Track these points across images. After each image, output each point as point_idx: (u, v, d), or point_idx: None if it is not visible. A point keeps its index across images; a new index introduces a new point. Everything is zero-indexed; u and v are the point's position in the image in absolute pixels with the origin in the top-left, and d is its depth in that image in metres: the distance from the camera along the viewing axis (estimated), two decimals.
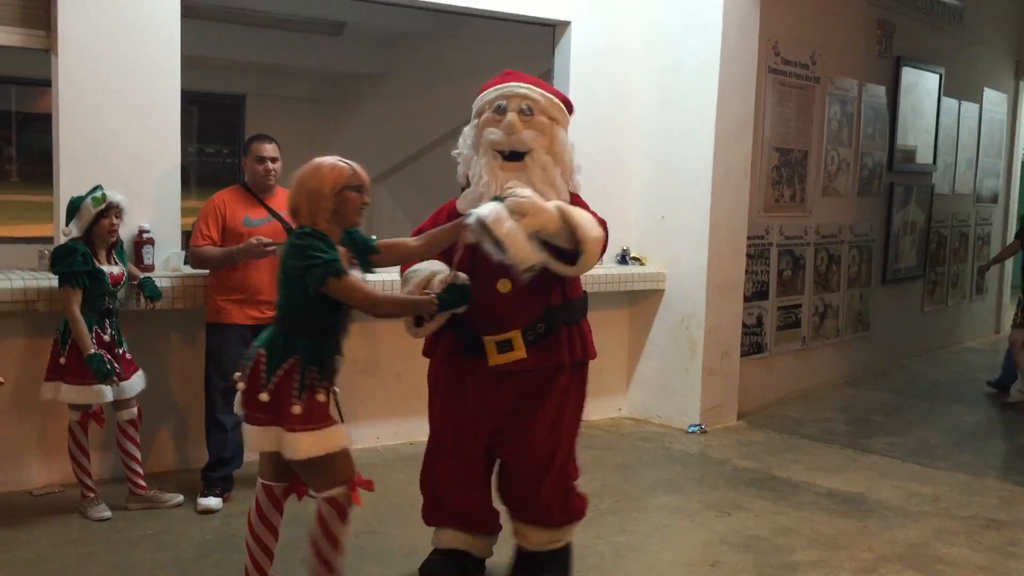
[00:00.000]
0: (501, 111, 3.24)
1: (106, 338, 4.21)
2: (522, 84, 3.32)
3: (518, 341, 3.31)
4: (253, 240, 4.36)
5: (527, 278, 3.15)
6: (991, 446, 6.11)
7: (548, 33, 6.25)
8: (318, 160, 3.05)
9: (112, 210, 4.22)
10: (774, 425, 6.27)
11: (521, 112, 3.25)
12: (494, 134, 3.22)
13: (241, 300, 4.48)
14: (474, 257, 3.22)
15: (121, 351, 4.28)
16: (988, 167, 10.34)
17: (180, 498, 4.40)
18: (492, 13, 6.11)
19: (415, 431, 5.63)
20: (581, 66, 6.15)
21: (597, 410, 6.06)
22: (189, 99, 10.05)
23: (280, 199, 4.66)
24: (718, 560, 4.03)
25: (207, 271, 4.59)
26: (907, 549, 4.21)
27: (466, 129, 3.38)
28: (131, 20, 4.71)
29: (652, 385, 6.35)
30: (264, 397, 3.00)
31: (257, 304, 4.49)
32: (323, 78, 9.74)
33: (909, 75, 8.38)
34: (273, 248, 4.36)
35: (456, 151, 3.46)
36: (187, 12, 7.34)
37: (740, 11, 6.09)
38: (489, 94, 3.32)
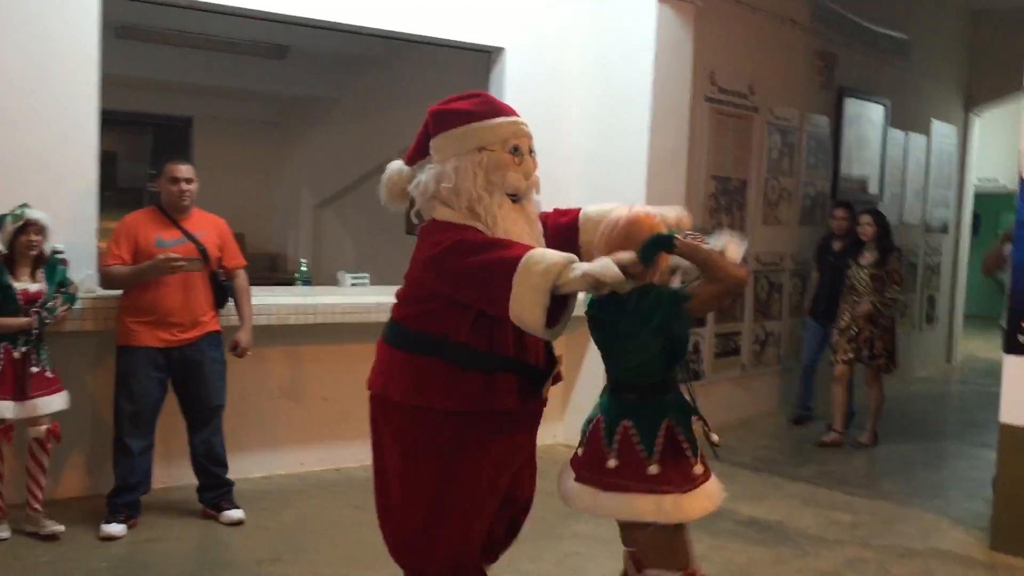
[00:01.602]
0: (517, 153, 2.99)
1: (15, 355, 4.18)
2: (523, 120, 3.07)
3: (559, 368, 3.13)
4: (161, 256, 4.32)
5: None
6: (921, 475, 6.09)
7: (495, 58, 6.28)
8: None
9: (31, 227, 4.24)
10: (707, 452, 6.23)
11: (530, 152, 3.04)
12: (517, 179, 2.97)
13: (151, 322, 4.43)
14: None
15: (36, 370, 4.23)
16: (938, 198, 10.42)
17: (60, 528, 4.28)
18: (428, 39, 6.14)
19: (341, 457, 5.60)
20: (516, 93, 6.15)
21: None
22: (136, 121, 10.14)
23: (196, 220, 4.63)
24: None
25: (120, 292, 4.55)
26: None
27: (461, 164, 2.93)
28: (48, 37, 4.68)
29: (587, 412, 6.30)
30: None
31: (168, 327, 4.45)
32: (271, 101, 9.74)
33: (852, 106, 8.47)
34: (182, 264, 4.33)
35: (441, 185, 2.94)
36: (126, 34, 7.43)
37: (673, 40, 6.14)
38: (499, 130, 2.96)
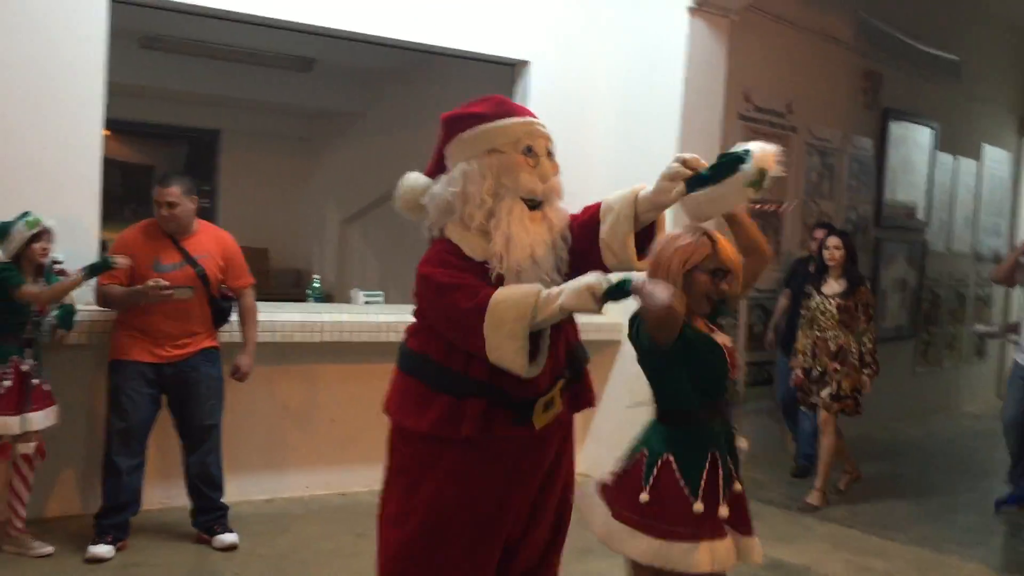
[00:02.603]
0: (531, 154, 2.78)
1: (24, 367, 4.07)
2: (539, 121, 2.87)
3: (558, 394, 2.83)
4: (151, 283, 4.13)
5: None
6: (964, 519, 5.72)
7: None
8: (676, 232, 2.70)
9: (44, 235, 4.14)
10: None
11: (548, 155, 2.84)
12: (532, 182, 2.74)
13: (144, 337, 4.26)
14: None
15: (37, 382, 4.12)
16: (989, 226, 10.01)
17: (50, 549, 4.13)
18: (453, 51, 5.99)
19: (348, 481, 5.39)
20: (539, 107, 5.86)
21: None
22: (170, 134, 10.11)
23: (200, 239, 4.42)
24: None
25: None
26: None
27: (469, 166, 2.75)
28: (55, 44, 4.57)
29: (608, 441, 6.01)
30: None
31: (161, 342, 4.28)
32: (298, 115, 9.65)
33: (898, 128, 8.13)
34: (171, 292, 4.13)
35: (448, 190, 2.77)
36: (150, 44, 7.35)
37: (706, 55, 5.89)
38: (511, 130, 2.76)
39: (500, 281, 2.70)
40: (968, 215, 9.53)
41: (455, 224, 2.79)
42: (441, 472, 2.77)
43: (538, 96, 5.96)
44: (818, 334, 5.70)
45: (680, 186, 2.64)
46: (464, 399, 2.72)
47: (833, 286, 5.73)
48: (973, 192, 9.57)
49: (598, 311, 2.53)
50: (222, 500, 4.52)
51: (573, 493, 3.04)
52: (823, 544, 4.99)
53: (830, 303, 5.67)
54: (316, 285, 6.04)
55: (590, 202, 6.20)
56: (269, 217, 9.42)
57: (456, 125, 2.82)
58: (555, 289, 2.61)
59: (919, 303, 8.73)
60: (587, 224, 2.84)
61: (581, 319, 3.00)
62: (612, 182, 5.93)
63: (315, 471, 5.36)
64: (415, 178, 2.93)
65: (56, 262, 4.50)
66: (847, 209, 7.63)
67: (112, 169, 10.76)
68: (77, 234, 4.61)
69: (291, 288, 9.05)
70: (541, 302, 2.55)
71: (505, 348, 2.55)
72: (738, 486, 2.71)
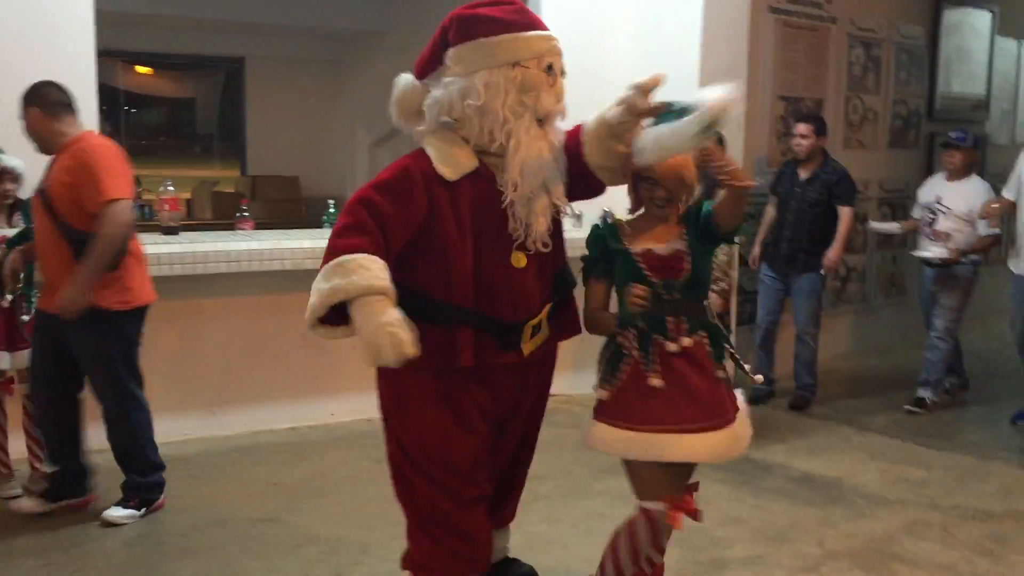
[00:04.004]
0: (551, 72, 2.65)
1: (3, 304, 3.98)
2: (555, 36, 2.73)
3: (544, 319, 2.78)
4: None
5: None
6: (1012, 427, 5.41)
7: None
8: None
9: (6, 175, 4.03)
10: (773, 399, 5.72)
11: (562, 73, 2.72)
12: (551, 102, 2.64)
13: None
14: (483, 225, 2.65)
15: (27, 319, 4.03)
16: None
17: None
18: None
19: (373, 407, 5.30)
20: (556, 13, 5.65)
21: (576, 384, 5.65)
22: (184, 63, 10.03)
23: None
24: None
25: None
26: (865, 544, 3.69)
27: (492, 74, 2.58)
28: None
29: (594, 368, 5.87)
30: None
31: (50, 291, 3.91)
32: (320, 38, 9.43)
33: (952, 14, 7.59)
34: None
35: (465, 101, 2.59)
36: None
37: None
38: (535, 44, 2.62)
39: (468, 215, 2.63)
40: None
41: (441, 134, 2.65)
42: (437, 401, 2.69)
43: (552, 2, 5.68)
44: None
45: (633, 120, 2.61)
46: (454, 328, 2.63)
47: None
48: None
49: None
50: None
51: (542, 415, 3.03)
52: (859, 455, 4.79)
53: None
54: (332, 211, 5.93)
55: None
56: (299, 145, 9.30)
57: (474, 27, 2.61)
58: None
59: None
60: (572, 150, 2.76)
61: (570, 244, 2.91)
62: None
63: (339, 397, 5.31)
64: (410, 81, 2.75)
65: None
66: (896, 103, 7.18)
67: (158, 105, 10.83)
68: None
69: (325, 214, 8.95)
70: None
71: (313, 295, 2.52)
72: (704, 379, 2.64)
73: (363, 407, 5.29)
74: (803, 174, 5.44)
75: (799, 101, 6.32)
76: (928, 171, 7.55)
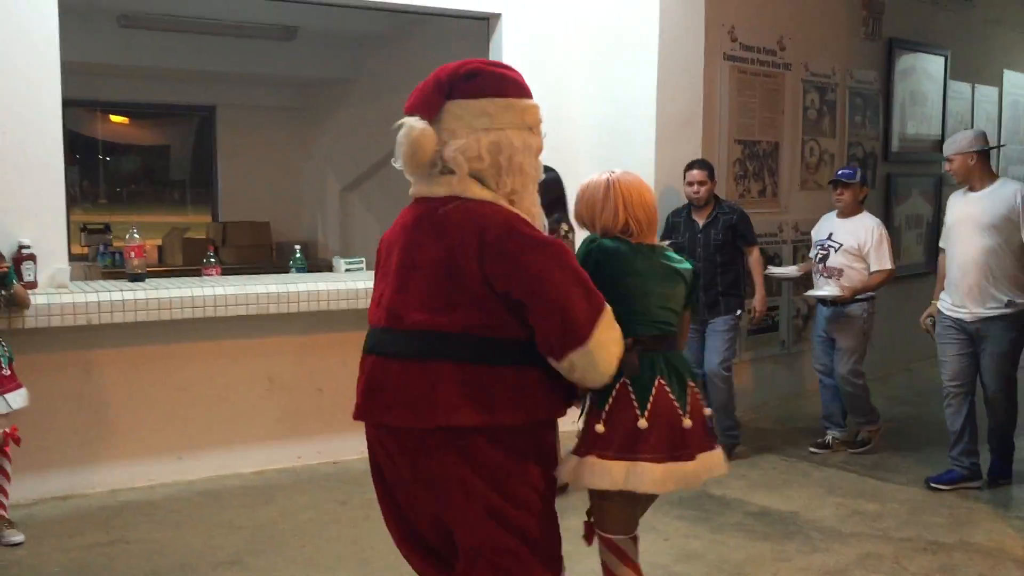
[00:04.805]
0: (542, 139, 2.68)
1: None
2: None
3: None
4: None
5: None
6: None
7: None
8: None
9: None
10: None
11: None
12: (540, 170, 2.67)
13: None
14: None
15: None
16: (1013, 155, 9.64)
17: (21, 537, 4.12)
18: (424, 9, 5.92)
19: (339, 450, 5.37)
20: (515, 59, 5.81)
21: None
22: (158, 111, 10.15)
23: None
24: None
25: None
26: None
27: (520, 135, 2.55)
28: (3, 21, 4.51)
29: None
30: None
31: None
32: (289, 86, 9.59)
33: (905, 60, 7.82)
34: None
35: (505, 157, 2.54)
36: (128, 23, 7.33)
37: None
38: (539, 113, 2.64)
39: None
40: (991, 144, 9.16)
41: (476, 185, 2.53)
42: (534, 458, 2.52)
43: (513, 47, 5.87)
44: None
45: None
46: (538, 367, 2.48)
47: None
48: (995, 120, 9.21)
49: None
50: None
51: None
52: (816, 489, 4.87)
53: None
54: (298, 256, 6.01)
55: (569, 158, 5.99)
56: (270, 191, 9.40)
57: (506, 86, 2.56)
58: None
59: (936, 239, 8.43)
60: None
61: None
62: (595, 132, 5.93)
63: (305, 440, 5.36)
64: (424, 125, 2.52)
65: (23, 247, 4.54)
66: (851, 146, 7.38)
67: (133, 153, 10.91)
68: (44, 216, 4.64)
69: (291, 259, 9.04)
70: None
71: (612, 349, 2.49)
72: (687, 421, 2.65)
73: (329, 450, 5.39)
74: (700, 220, 5.38)
75: (755, 144, 6.49)
76: (886, 211, 7.75)
